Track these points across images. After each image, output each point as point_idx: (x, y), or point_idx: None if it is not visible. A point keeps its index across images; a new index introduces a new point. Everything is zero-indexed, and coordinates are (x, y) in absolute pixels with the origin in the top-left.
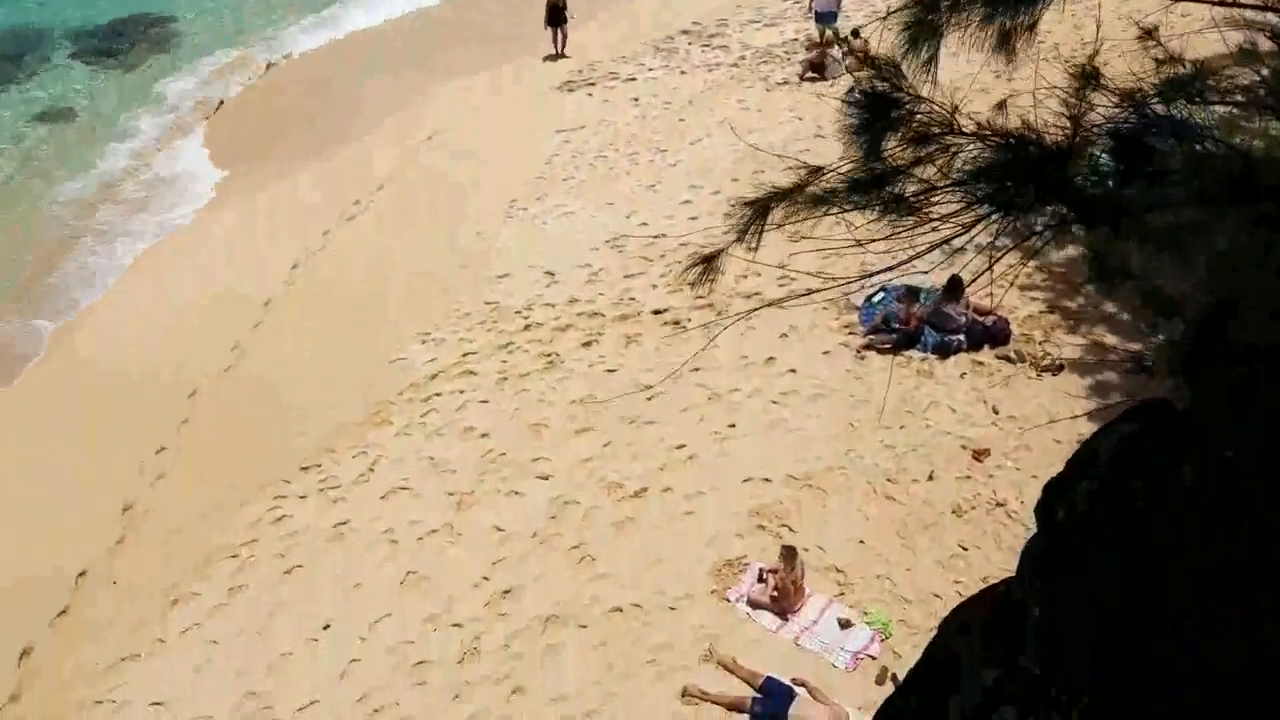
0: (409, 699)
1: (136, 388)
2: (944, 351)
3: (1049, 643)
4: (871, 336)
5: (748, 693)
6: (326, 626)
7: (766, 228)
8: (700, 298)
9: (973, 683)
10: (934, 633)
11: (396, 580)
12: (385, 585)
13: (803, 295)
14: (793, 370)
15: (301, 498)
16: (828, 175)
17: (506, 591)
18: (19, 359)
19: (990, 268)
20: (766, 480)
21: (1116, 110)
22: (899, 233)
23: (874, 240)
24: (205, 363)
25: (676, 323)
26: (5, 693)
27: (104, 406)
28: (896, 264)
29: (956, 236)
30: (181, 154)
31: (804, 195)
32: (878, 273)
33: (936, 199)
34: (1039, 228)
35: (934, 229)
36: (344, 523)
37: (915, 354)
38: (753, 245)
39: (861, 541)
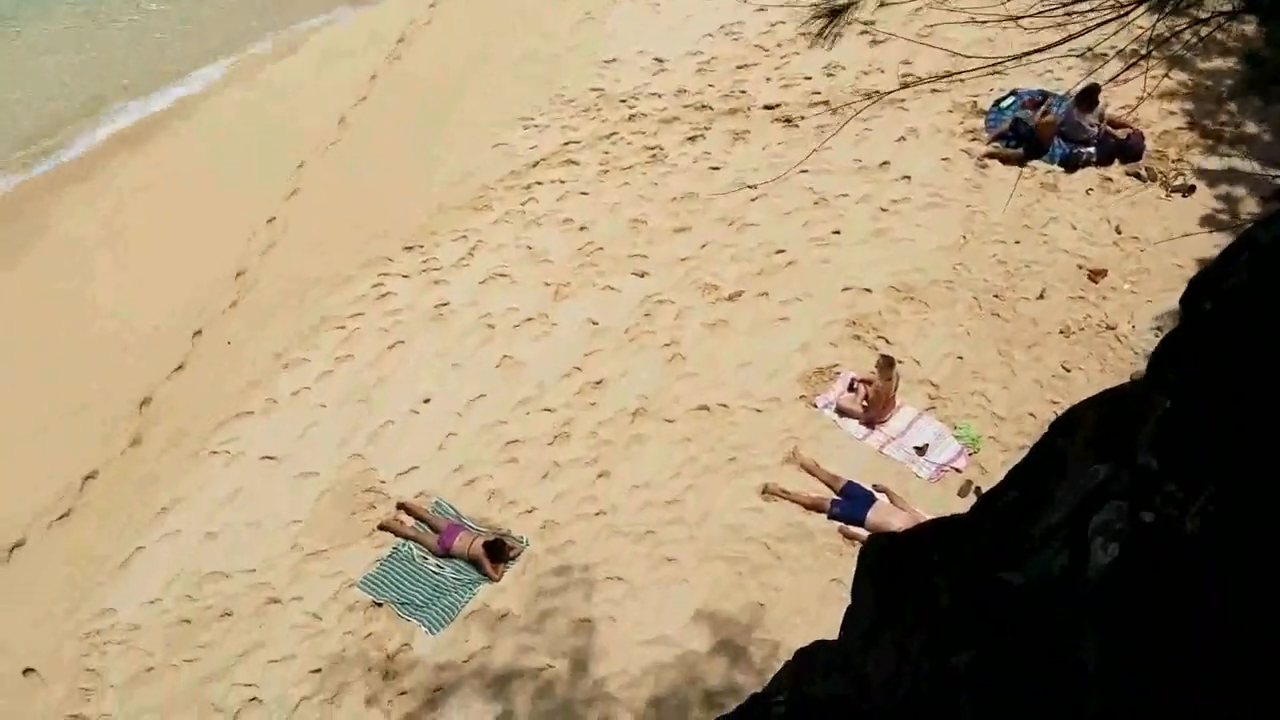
0: (501, 474)
1: (248, 157)
2: (1071, 164)
3: (1173, 437)
4: (996, 144)
5: (827, 494)
6: (426, 400)
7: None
8: (816, 94)
9: (1080, 478)
10: (1025, 451)
11: (492, 363)
12: (481, 367)
13: (932, 79)
14: (907, 177)
15: (404, 277)
16: None
17: (597, 382)
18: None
19: (1130, 70)
20: (867, 290)
21: None
22: (1048, 9)
23: (1025, 16)
24: (313, 136)
25: (788, 120)
26: (127, 438)
27: (220, 173)
28: (1032, 50)
29: (1108, 21)
30: None
31: None
32: (1012, 58)
33: None
34: (1204, 15)
35: (1080, 21)
36: (444, 304)
37: (1040, 165)
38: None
39: (960, 357)
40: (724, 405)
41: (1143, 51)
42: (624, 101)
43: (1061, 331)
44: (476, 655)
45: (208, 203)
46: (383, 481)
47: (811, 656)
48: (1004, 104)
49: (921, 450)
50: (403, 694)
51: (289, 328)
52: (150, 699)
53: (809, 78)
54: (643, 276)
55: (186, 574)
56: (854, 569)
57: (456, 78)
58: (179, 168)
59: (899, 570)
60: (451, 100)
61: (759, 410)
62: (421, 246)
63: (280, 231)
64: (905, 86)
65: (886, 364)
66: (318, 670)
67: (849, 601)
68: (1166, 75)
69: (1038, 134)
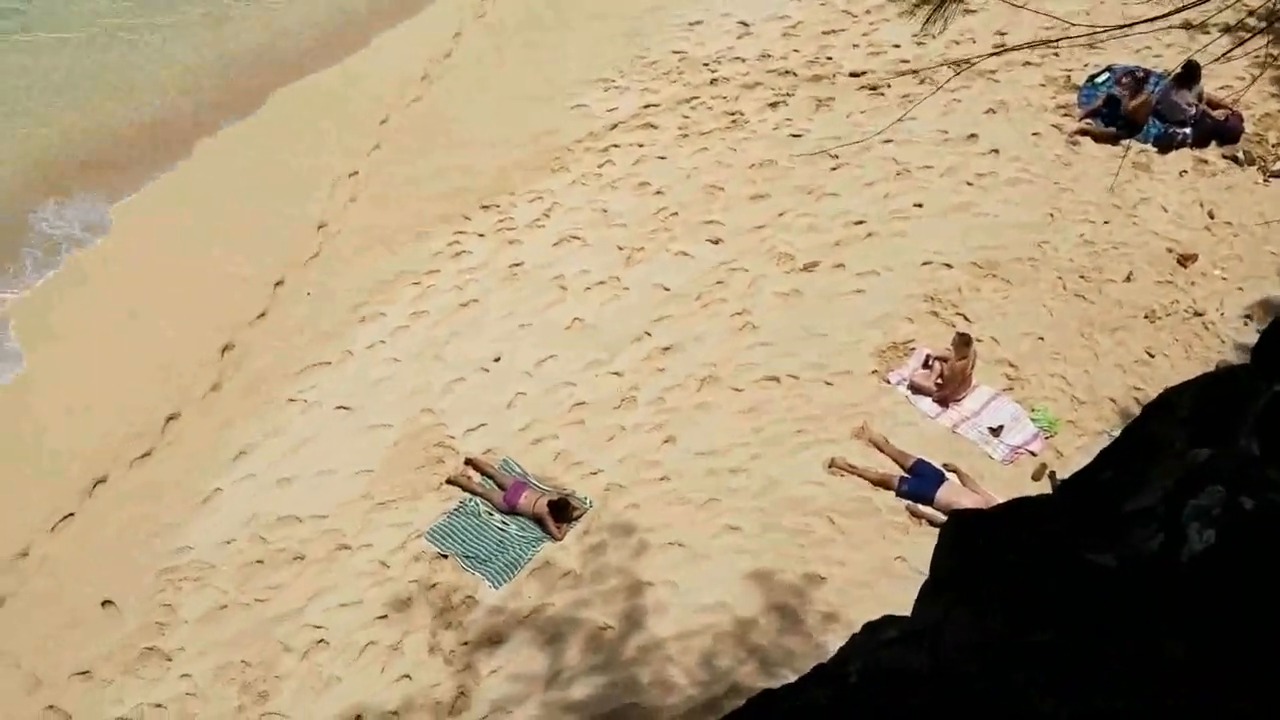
0: (567, 435)
1: (333, 112)
2: (1166, 144)
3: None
4: (1088, 121)
5: (895, 471)
6: (497, 359)
7: None
8: (904, 62)
9: (1175, 461)
10: (1103, 436)
11: (563, 325)
12: (552, 328)
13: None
14: (995, 150)
15: (480, 235)
16: None
17: (666, 348)
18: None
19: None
20: (947, 266)
21: None
22: None
23: None
24: (397, 93)
25: (874, 88)
26: (208, 382)
27: (307, 128)
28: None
29: None
30: None
31: None
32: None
33: None
34: None
35: None
36: (518, 264)
37: (1134, 144)
38: None
39: (1040, 338)
40: (794, 376)
41: (1251, 28)
42: (706, 65)
43: (1147, 316)
44: (537, 610)
45: (297, 157)
46: (451, 437)
47: (881, 629)
48: (1099, 79)
49: (996, 431)
50: (464, 644)
51: (367, 281)
52: (222, 635)
53: (897, 45)
54: (717, 243)
55: (261, 516)
56: (920, 547)
57: (539, 37)
58: (273, 122)
59: (980, 546)
60: (533, 59)
61: (829, 383)
62: (498, 206)
63: (362, 186)
64: (997, 54)
65: (964, 341)
66: (383, 616)
67: (913, 579)
68: (1272, 56)
69: (1131, 115)
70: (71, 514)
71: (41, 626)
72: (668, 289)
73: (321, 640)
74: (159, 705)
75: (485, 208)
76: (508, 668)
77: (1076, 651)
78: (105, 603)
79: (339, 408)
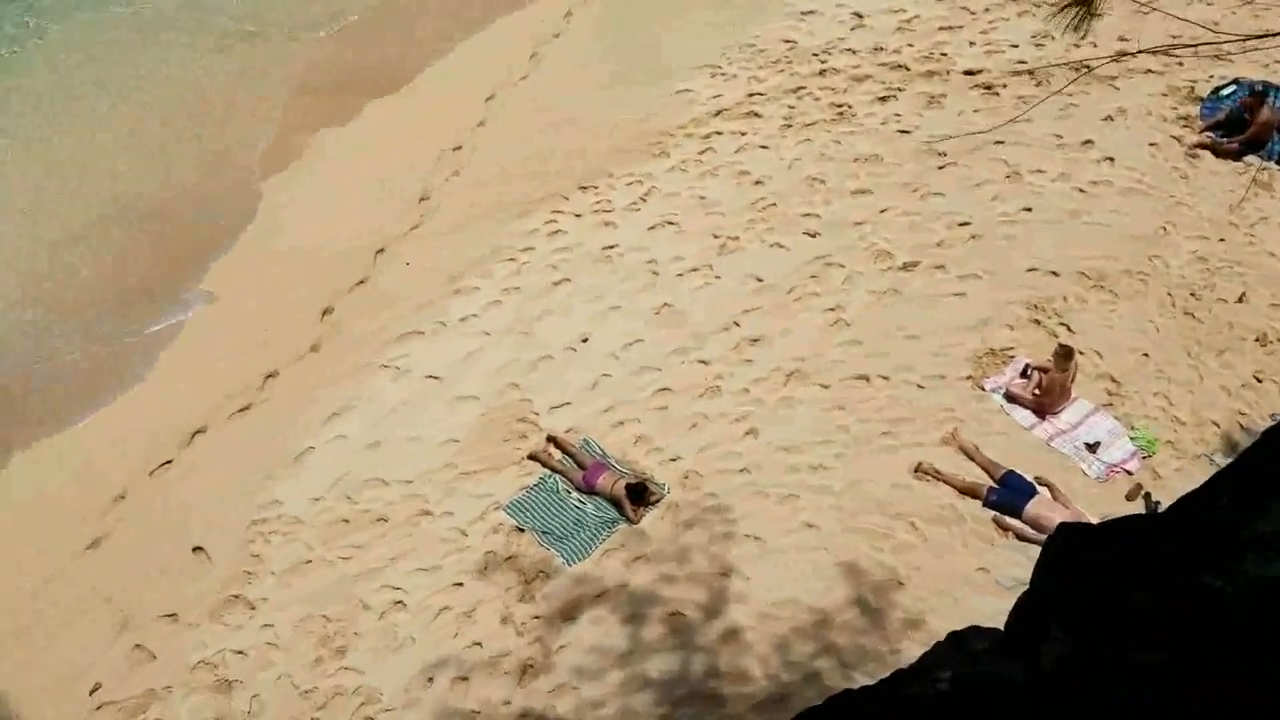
0: (649, 419)
1: (442, 88)
2: None
3: None
4: (1209, 134)
5: (984, 481)
6: (585, 339)
7: None
8: (1020, 63)
9: None
10: (1203, 459)
11: (652, 309)
12: (641, 312)
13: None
14: (1109, 159)
15: (576, 216)
16: None
17: (755, 339)
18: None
19: None
20: (1053, 274)
21: None
22: None
23: None
24: (505, 69)
25: (989, 88)
26: (308, 343)
27: (416, 103)
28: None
29: None
30: None
31: None
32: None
33: None
34: None
35: None
36: (612, 246)
37: (1255, 161)
38: None
39: (1145, 354)
40: (884, 377)
41: None
42: (816, 55)
43: (1258, 339)
44: (609, 590)
45: (404, 131)
46: (535, 413)
47: (969, 639)
48: (1224, 92)
49: (1093, 447)
50: (536, 618)
51: (464, 254)
52: (305, 589)
53: (1015, 45)
54: (814, 236)
55: (349, 478)
56: (1004, 559)
57: (649, 21)
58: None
59: (1086, 562)
60: (641, 43)
61: (921, 386)
62: (595, 187)
63: (465, 160)
64: (1118, 59)
65: (1065, 353)
66: (459, 584)
67: (995, 591)
68: None
69: (1255, 131)
70: (170, 461)
71: (134, 568)
72: (760, 280)
73: (399, 602)
74: (240, 652)
75: (583, 189)
76: (578, 644)
77: (1184, 673)
78: (196, 549)
79: (429, 377)
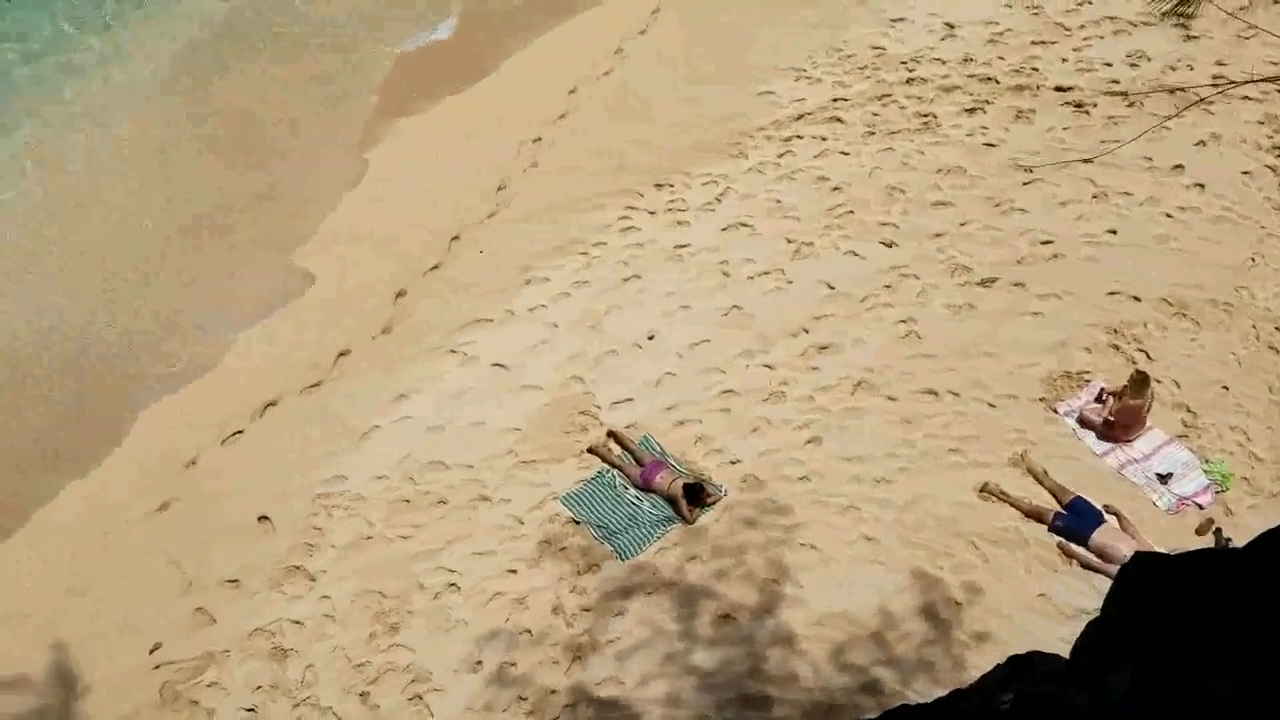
0: (710, 420)
1: (527, 80)
2: None
3: None
4: None
5: (1052, 506)
6: (651, 337)
7: None
8: (1113, 82)
9: None
10: (1278, 498)
11: (720, 310)
12: (709, 312)
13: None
14: (1200, 185)
15: (650, 213)
16: None
17: (824, 347)
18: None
19: None
20: (1135, 299)
21: None
22: None
23: None
24: (589, 63)
25: (1079, 105)
26: (380, 324)
27: (501, 96)
28: None
29: None
30: None
31: None
32: None
33: None
34: None
35: None
36: (683, 245)
37: None
38: None
39: (1225, 387)
40: (954, 393)
41: None
42: (904, 64)
43: None
44: (660, 588)
45: (485, 120)
46: (597, 407)
47: (1030, 664)
48: None
49: (1164, 479)
50: (587, 610)
51: (537, 245)
52: (363, 564)
53: (1109, 64)
54: (890, 246)
55: (412, 458)
56: (1066, 586)
57: (737, 20)
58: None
59: (1161, 592)
60: (726, 42)
61: (992, 405)
62: (671, 185)
63: (544, 152)
64: (1216, 89)
65: (1142, 380)
66: (513, 570)
67: (1055, 617)
68: None
69: None
70: (241, 431)
71: (201, 532)
72: (832, 287)
73: (453, 584)
74: (298, 622)
75: (659, 186)
76: (627, 638)
77: (1255, 709)
78: (261, 518)
79: (495, 364)
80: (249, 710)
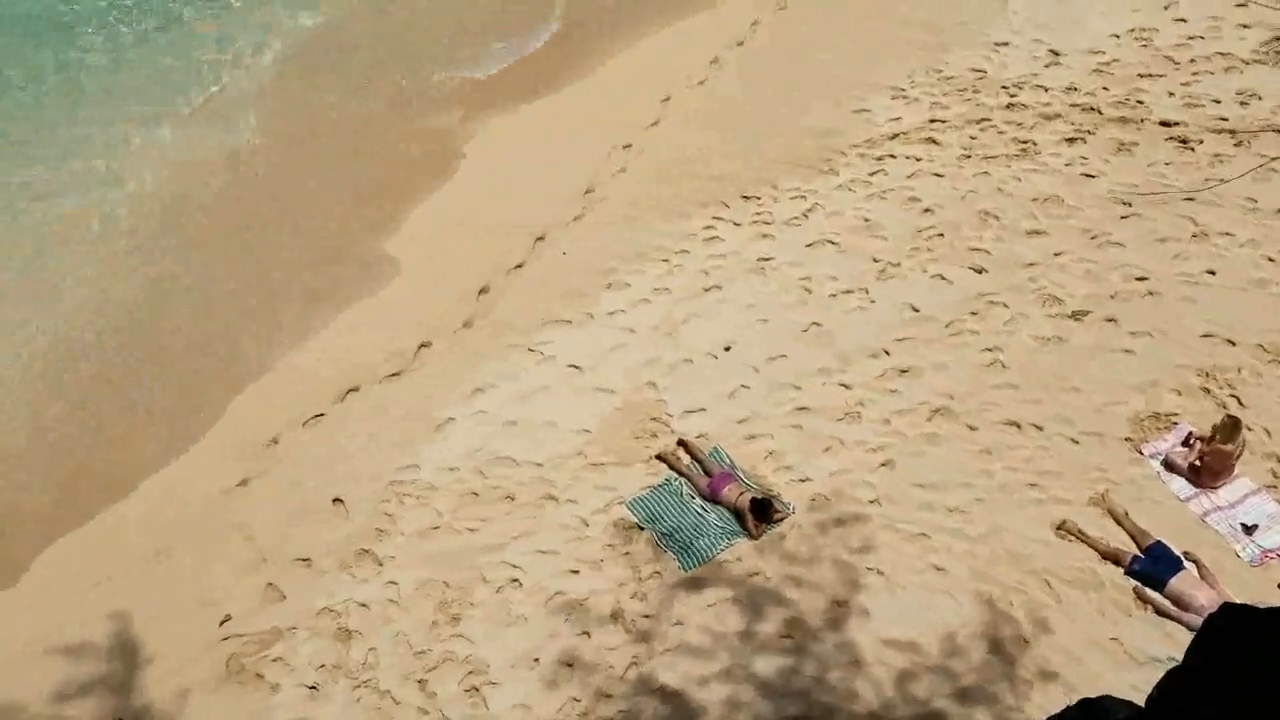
0: (782, 436)
1: (618, 85)
2: None
3: None
4: None
5: (1130, 549)
6: (727, 348)
7: None
8: (1221, 119)
9: None
10: None
11: (800, 327)
12: (789, 328)
13: None
14: None
15: (735, 224)
16: None
17: (904, 370)
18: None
19: None
20: (1230, 342)
21: None
22: None
23: None
24: (685, 72)
25: (1184, 141)
26: (462, 318)
27: (596, 102)
28: None
29: None
30: None
31: None
32: None
33: None
34: None
35: None
36: (767, 259)
37: None
38: None
39: None
40: (1038, 427)
41: None
42: (1005, 88)
43: None
44: (722, 600)
45: (576, 124)
46: (669, 414)
47: (1103, 708)
48: None
49: (1250, 529)
50: (647, 617)
51: (620, 250)
52: (430, 553)
53: (1217, 101)
54: (980, 272)
55: (484, 452)
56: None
57: (837, 35)
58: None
59: (1249, 646)
60: (825, 57)
61: (1075, 441)
62: (758, 198)
63: (634, 158)
64: None
65: (1233, 426)
66: (575, 571)
67: (1126, 663)
68: None
69: None
70: (322, 414)
71: (277, 510)
72: (917, 310)
73: (516, 580)
74: (364, 605)
75: (745, 198)
76: (684, 648)
77: None
78: (336, 500)
79: (571, 365)
80: (311, 688)
